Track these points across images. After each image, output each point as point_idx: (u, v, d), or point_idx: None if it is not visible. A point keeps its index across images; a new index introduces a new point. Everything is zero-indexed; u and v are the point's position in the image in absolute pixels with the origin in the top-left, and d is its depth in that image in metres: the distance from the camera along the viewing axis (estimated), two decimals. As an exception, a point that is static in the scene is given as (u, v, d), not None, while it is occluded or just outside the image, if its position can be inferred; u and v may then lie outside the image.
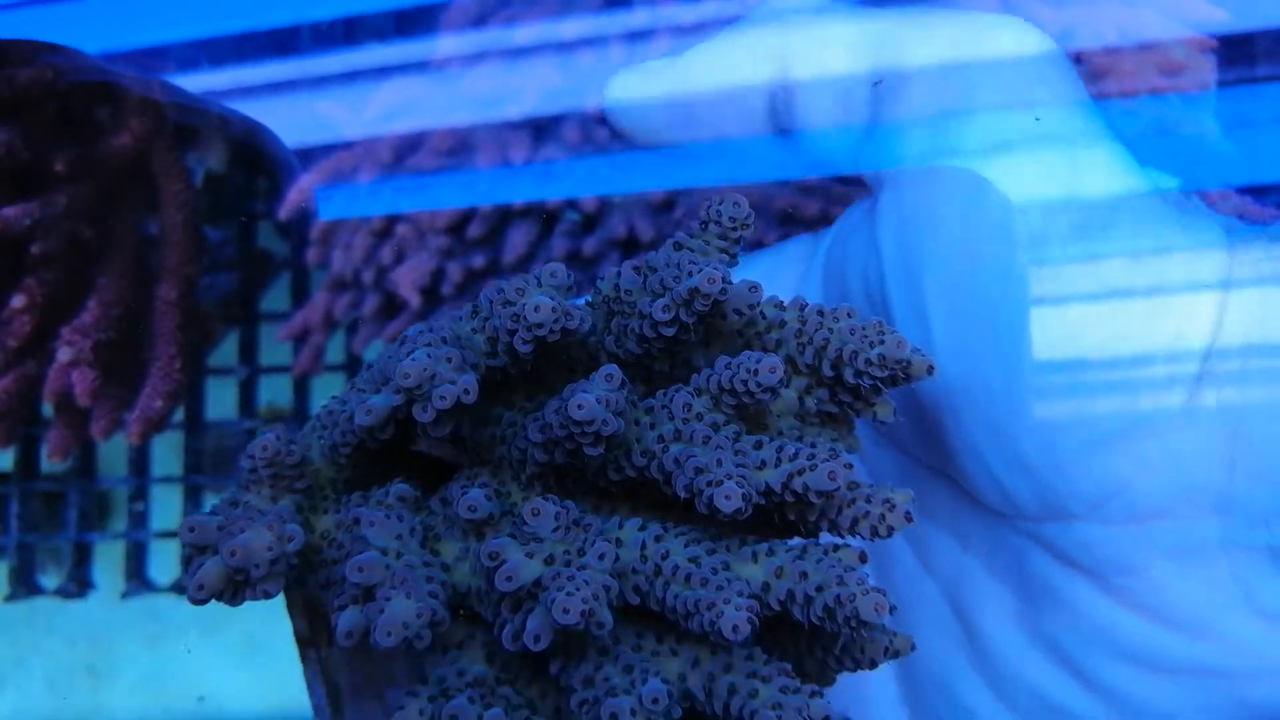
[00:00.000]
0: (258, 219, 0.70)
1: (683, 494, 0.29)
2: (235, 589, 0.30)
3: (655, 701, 0.28)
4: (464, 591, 0.31)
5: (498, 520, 0.31)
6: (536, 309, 0.29)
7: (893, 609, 0.28)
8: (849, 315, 0.31)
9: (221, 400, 0.71)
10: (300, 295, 0.70)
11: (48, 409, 0.64)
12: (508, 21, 0.54)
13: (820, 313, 0.31)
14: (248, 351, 0.71)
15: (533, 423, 0.30)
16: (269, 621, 0.71)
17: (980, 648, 0.37)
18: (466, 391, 0.29)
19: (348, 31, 0.54)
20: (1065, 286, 0.31)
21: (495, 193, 0.56)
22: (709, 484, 0.28)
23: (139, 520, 0.70)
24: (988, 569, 0.37)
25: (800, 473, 0.28)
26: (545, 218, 0.58)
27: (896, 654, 0.31)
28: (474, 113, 0.55)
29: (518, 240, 0.57)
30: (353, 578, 0.28)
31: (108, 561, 0.70)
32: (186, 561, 0.30)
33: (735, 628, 0.27)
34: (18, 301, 0.59)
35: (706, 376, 0.30)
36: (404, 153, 0.57)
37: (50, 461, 0.67)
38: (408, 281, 0.58)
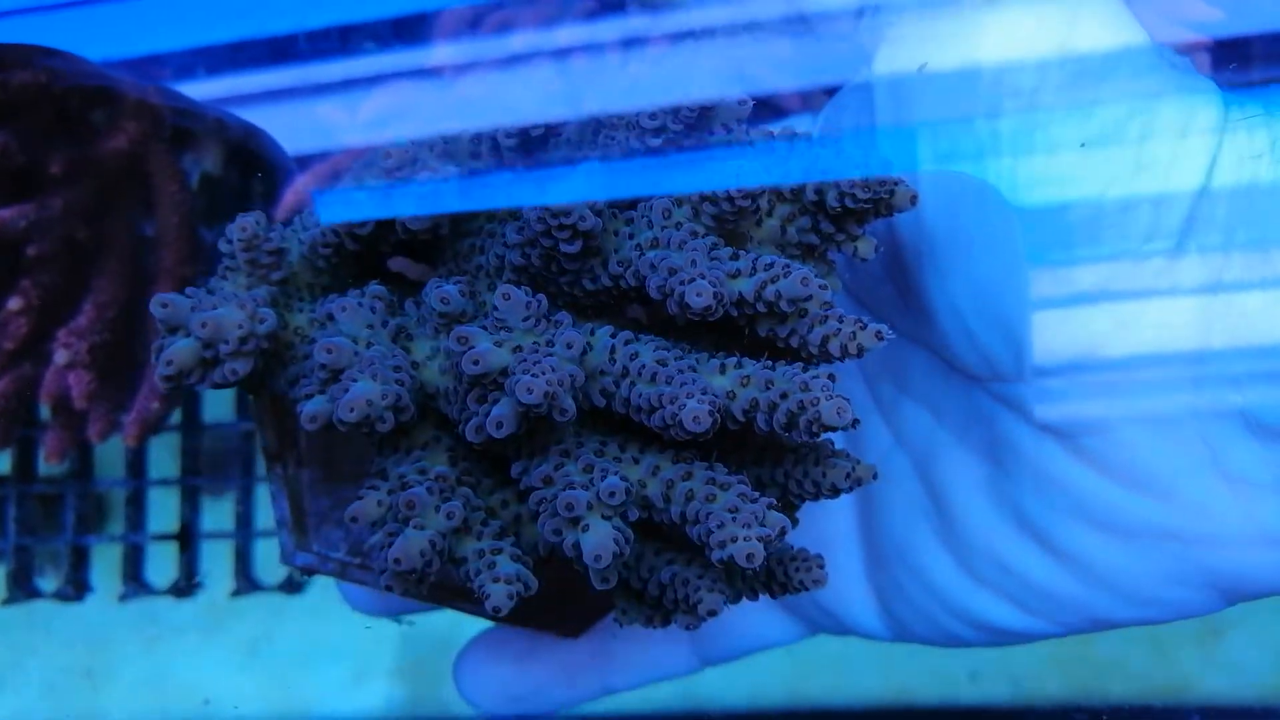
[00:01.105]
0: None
1: (655, 295, 0.29)
2: (204, 368, 0.30)
3: (612, 495, 0.27)
4: (431, 393, 0.31)
5: (470, 319, 0.31)
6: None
7: (856, 422, 0.28)
8: (836, 144, 0.31)
9: (218, 403, 0.71)
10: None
11: (45, 411, 0.64)
12: (503, 27, 0.54)
13: (808, 139, 0.31)
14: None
15: (512, 225, 0.30)
16: (270, 625, 0.71)
17: (947, 518, 0.37)
18: (445, 180, 0.29)
19: (343, 37, 0.54)
20: (1056, 135, 0.31)
21: (490, 197, 0.56)
22: (681, 283, 0.28)
23: (136, 523, 0.70)
24: (959, 439, 0.36)
25: (774, 280, 0.28)
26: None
27: (859, 481, 0.31)
28: (469, 117, 0.55)
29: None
30: (320, 358, 0.28)
31: (105, 564, 0.70)
32: (158, 351, 0.30)
33: (696, 418, 0.27)
34: (14, 304, 0.59)
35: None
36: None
37: (47, 464, 0.67)
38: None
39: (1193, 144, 0.30)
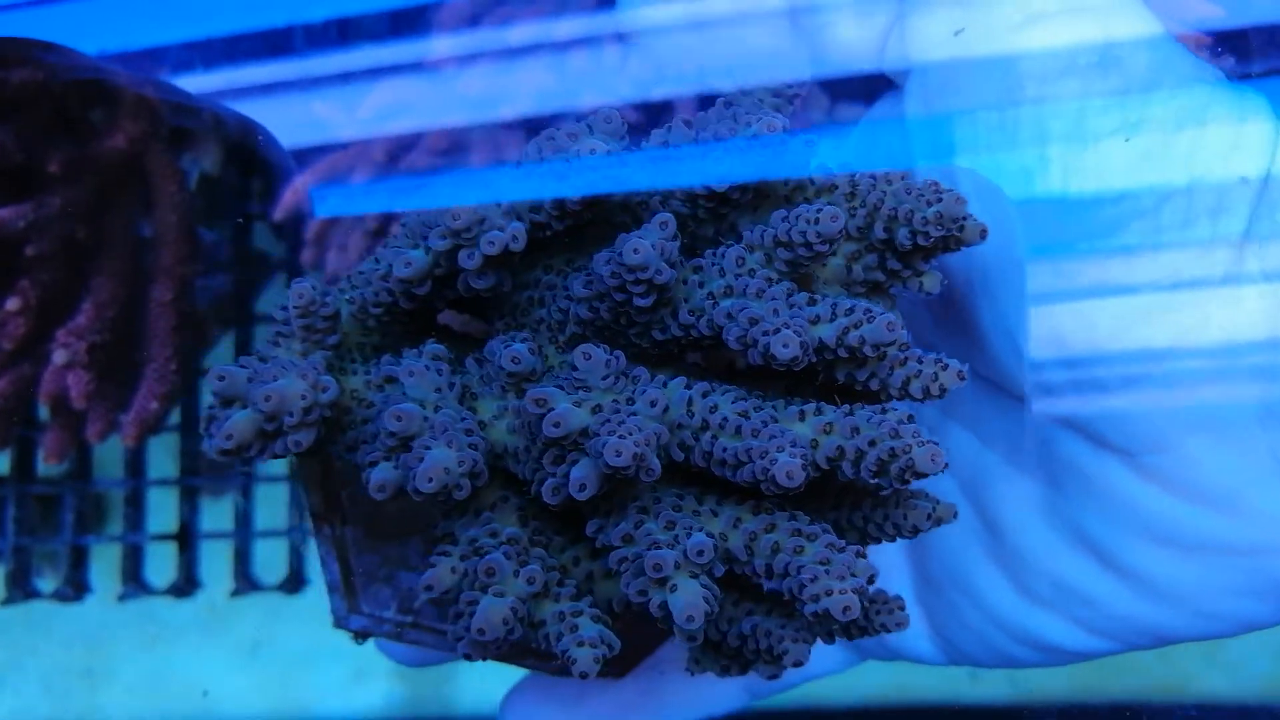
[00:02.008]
0: (253, 220, 0.70)
1: (735, 345, 0.28)
2: (265, 440, 0.29)
3: (700, 554, 0.27)
4: (499, 452, 0.30)
5: (539, 377, 0.30)
6: (593, 152, 0.28)
7: (946, 465, 0.27)
8: (902, 178, 0.30)
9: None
10: (296, 296, 0.69)
11: (44, 411, 0.64)
12: (501, 21, 0.54)
13: (873, 176, 0.30)
14: (244, 353, 0.71)
15: (577, 278, 0.30)
16: (269, 624, 0.71)
17: (1000, 540, 0.36)
18: (515, 238, 0.28)
19: (341, 32, 0.54)
20: (1102, 124, 0.30)
21: (490, 192, 0.56)
22: (764, 333, 0.27)
23: (135, 523, 0.70)
24: (1008, 460, 0.36)
25: (856, 325, 0.27)
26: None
27: (939, 521, 0.31)
28: (468, 112, 0.55)
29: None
30: (390, 427, 0.27)
31: (104, 564, 0.70)
32: (209, 420, 0.29)
33: (789, 474, 0.26)
34: (12, 304, 0.59)
35: (760, 231, 0.29)
36: (399, 153, 0.57)
37: (46, 464, 0.67)
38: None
39: (1251, 131, 0.30)
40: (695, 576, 0.27)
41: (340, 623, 0.37)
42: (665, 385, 0.29)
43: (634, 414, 0.27)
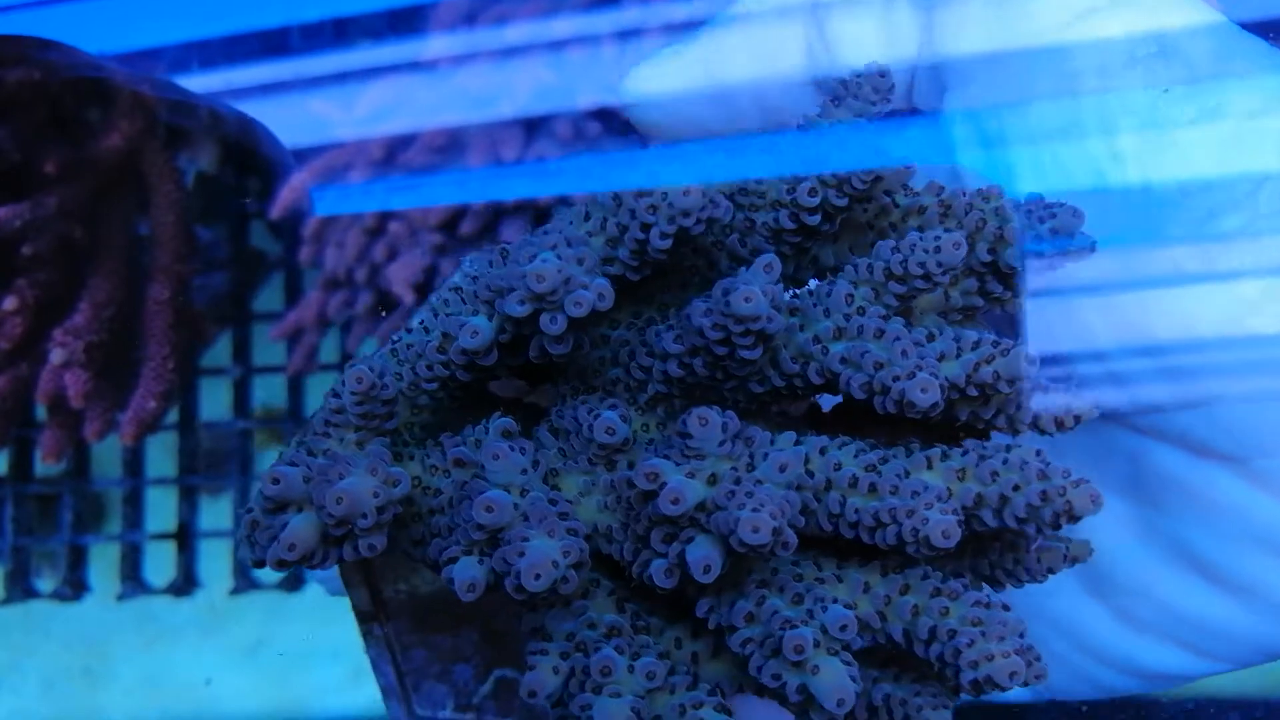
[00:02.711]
0: (251, 217, 0.69)
1: (858, 394, 0.25)
2: (330, 545, 0.26)
3: (843, 629, 0.25)
4: (588, 533, 0.27)
5: (630, 447, 0.28)
6: (686, 193, 0.25)
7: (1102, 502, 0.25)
8: (1000, 194, 0.28)
9: (215, 401, 0.71)
10: (293, 295, 0.69)
11: (41, 411, 0.64)
12: (498, 19, 0.54)
13: (963, 192, 0.28)
14: (241, 352, 0.71)
15: (664, 332, 0.27)
16: (267, 623, 0.71)
17: (1090, 566, 0.34)
18: (601, 296, 0.25)
19: (338, 31, 0.54)
20: (1169, 112, 0.29)
21: (487, 190, 0.56)
22: (895, 379, 0.25)
23: (134, 522, 0.70)
24: (1096, 482, 0.34)
25: (988, 360, 0.25)
26: (537, 214, 0.57)
27: (1075, 560, 0.29)
28: (465, 110, 0.55)
29: (511, 237, 0.57)
30: (480, 519, 0.24)
31: (103, 564, 0.70)
32: (253, 527, 0.26)
33: (945, 533, 0.24)
34: (9, 303, 0.59)
35: (866, 265, 0.27)
36: (396, 150, 0.57)
37: (44, 464, 0.67)
38: (401, 278, 0.58)
39: None
40: (834, 653, 0.24)
41: None
42: (772, 442, 0.26)
43: (759, 481, 0.24)
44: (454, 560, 0.25)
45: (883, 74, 0.29)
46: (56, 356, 0.60)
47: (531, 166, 0.55)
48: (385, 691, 0.33)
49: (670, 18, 0.50)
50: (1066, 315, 0.31)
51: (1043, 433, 0.27)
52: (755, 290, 0.24)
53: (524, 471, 0.26)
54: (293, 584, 0.68)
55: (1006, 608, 0.25)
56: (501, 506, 0.25)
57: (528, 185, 0.55)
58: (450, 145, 0.56)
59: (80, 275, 0.62)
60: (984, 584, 0.29)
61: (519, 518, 0.25)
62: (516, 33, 0.53)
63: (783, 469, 0.25)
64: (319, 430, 0.28)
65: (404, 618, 0.34)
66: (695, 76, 0.34)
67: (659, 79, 0.35)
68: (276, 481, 0.25)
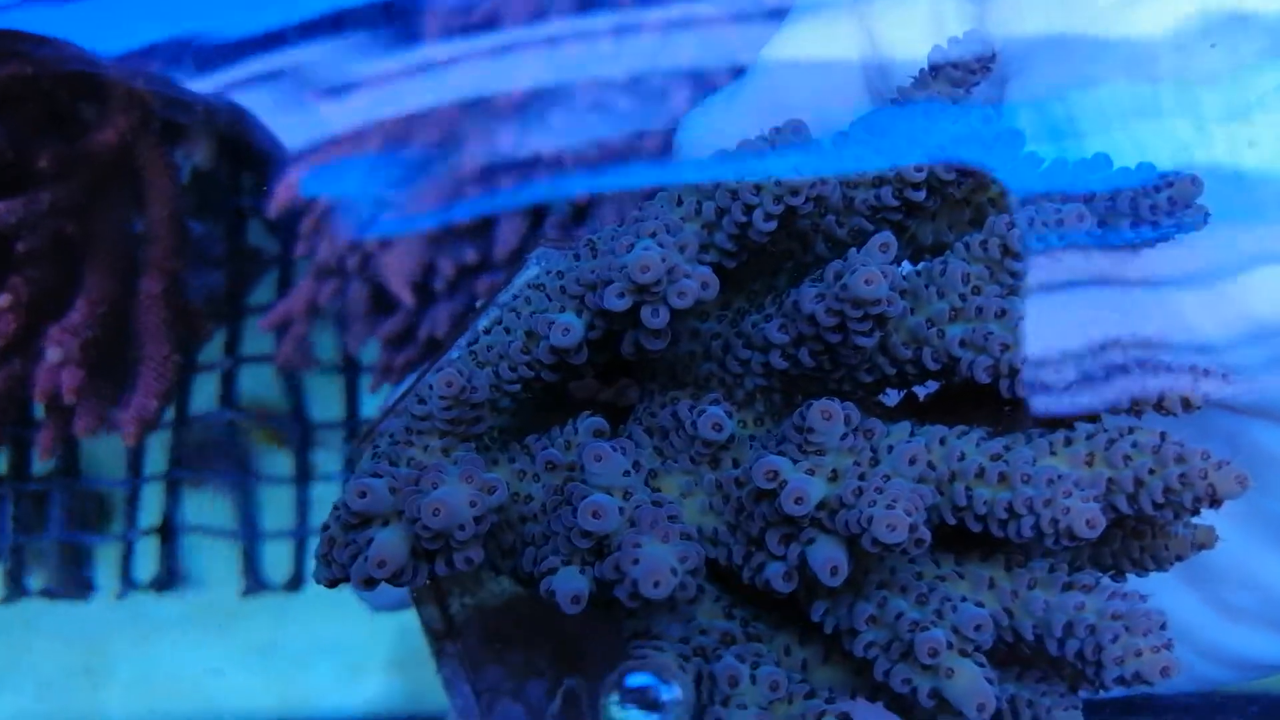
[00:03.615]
0: (248, 214, 0.69)
1: (983, 378, 0.24)
2: (422, 560, 0.24)
3: (978, 629, 0.23)
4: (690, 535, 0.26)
5: (734, 445, 0.27)
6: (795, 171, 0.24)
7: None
8: (1108, 164, 0.27)
9: (207, 396, 0.70)
10: (289, 290, 0.69)
11: (38, 409, 0.64)
12: (495, 10, 0.54)
13: (1061, 162, 0.27)
14: (235, 348, 0.70)
15: (767, 322, 0.26)
16: (273, 623, 0.71)
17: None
18: (705, 286, 0.24)
19: (335, 22, 0.54)
20: (1276, 124, 0.28)
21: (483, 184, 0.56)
22: (1025, 361, 0.24)
23: (131, 520, 0.70)
24: None
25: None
26: (535, 209, 0.57)
27: (1202, 546, 0.28)
28: (463, 103, 0.54)
29: (508, 232, 0.56)
30: (586, 526, 0.23)
31: (101, 563, 0.70)
32: (330, 544, 0.25)
33: (1091, 522, 0.23)
34: (4, 301, 0.59)
35: (980, 242, 0.25)
36: (393, 144, 0.57)
37: (42, 462, 0.66)
38: (397, 273, 0.57)
39: None
40: (967, 655, 0.23)
41: None
42: (889, 433, 0.25)
43: (887, 476, 0.23)
44: (553, 570, 0.24)
45: (981, 41, 0.28)
46: (53, 354, 0.60)
47: (528, 160, 0.54)
48: (462, 713, 0.32)
49: (667, 14, 0.50)
50: (1160, 305, 0.30)
51: (1167, 413, 0.26)
52: (875, 271, 0.23)
53: (626, 474, 0.25)
54: (294, 585, 0.68)
55: (1144, 599, 0.24)
56: (608, 512, 0.23)
57: (525, 179, 0.55)
58: (447, 138, 0.56)
59: (75, 272, 0.62)
60: (1116, 575, 0.28)
61: (626, 523, 0.24)
62: (512, 26, 0.53)
63: (912, 462, 0.23)
64: (400, 439, 0.26)
65: (474, 635, 0.32)
66: (752, 116, 0.33)
67: (715, 126, 0.34)
68: (364, 495, 0.24)
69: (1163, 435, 0.24)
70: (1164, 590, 0.34)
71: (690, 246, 0.25)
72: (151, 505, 0.70)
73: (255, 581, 0.68)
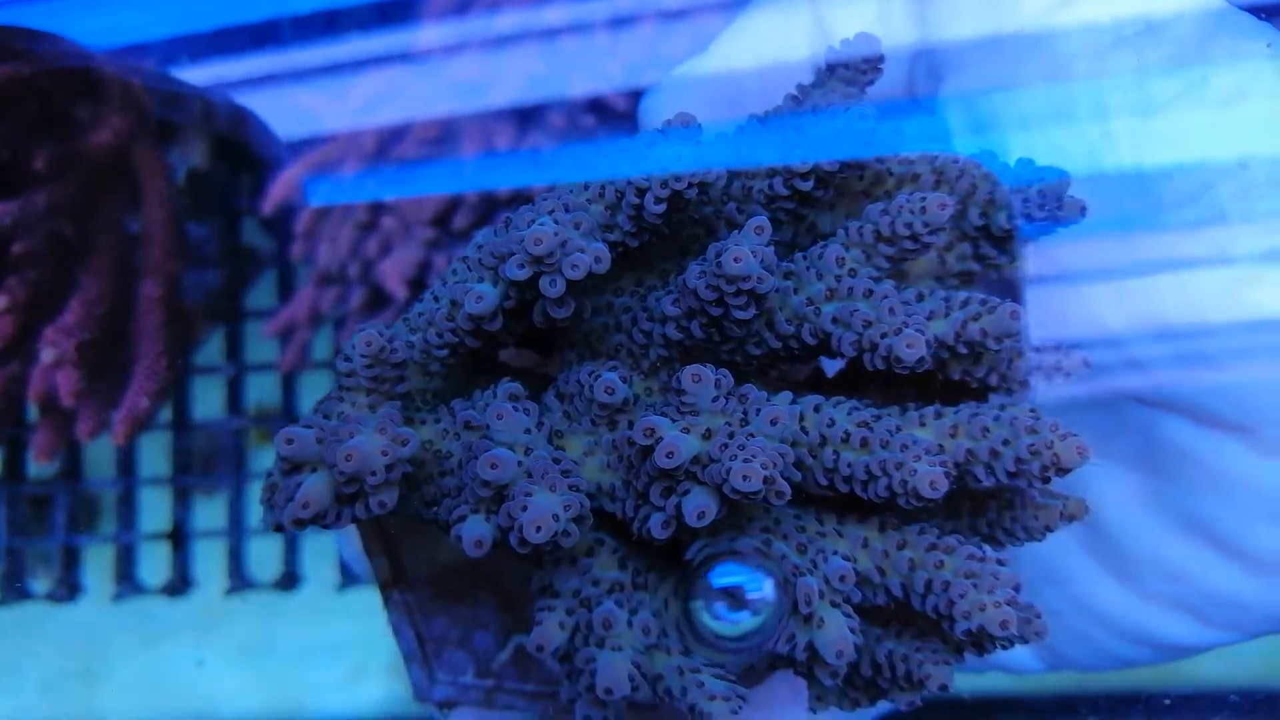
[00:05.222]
0: (243, 214, 0.69)
1: (848, 351, 0.26)
2: (343, 504, 0.26)
3: (842, 579, 0.25)
4: (591, 491, 0.28)
5: (631, 408, 0.28)
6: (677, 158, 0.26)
7: (1090, 456, 0.25)
8: (991, 160, 0.29)
9: (209, 400, 0.70)
10: (286, 291, 0.69)
11: (33, 412, 0.64)
12: (490, 8, 0.54)
13: (956, 160, 0.29)
14: (234, 349, 0.70)
15: (663, 296, 0.28)
16: (265, 622, 0.71)
17: (1103, 538, 0.35)
18: (598, 259, 0.26)
19: (329, 22, 0.54)
20: (1178, 128, 0.29)
21: (481, 181, 0.56)
22: (883, 335, 0.26)
23: (128, 522, 0.70)
24: (1103, 454, 0.34)
25: (975, 318, 0.26)
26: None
27: (1073, 517, 0.29)
28: (458, 101, 0.54)
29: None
30: (485, 475, 0.25)
31: (97, 564, 0.70)
32: (271, 490, 0.27)
33: (933, 483, 0.25)
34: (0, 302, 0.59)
35: (857, 228, 0.27)
36: (388, 143, 0.57)
37: (37, 464, 0.66)
38: (394, 274, 0.58)
39: None
40: (837, 606, 0.25)
41: (422, 695, 0.34)
42: (768, 400, 0.27)
43: (752, 435, 0.25)
44: (463, 519, 0.26)
45: (870, 42, 0.30)
46: (48, 356, 0.60)
47: (525, 156, 0.55)
48: (406, 657, 0.34)
49: (663, 5, 0.50)
50: (1073, 300, 0.32)
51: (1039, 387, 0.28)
52: (745, 250, 0.25)
53: (527, 431, 0.27)
54: (288, 583, 0.68)
55: (1002, 562, 0.26)
56: (505, 463, 0.25)
57: (521, 175, 0.55)
58: (443, 136, 0.56)
59: (71, 273, 0.62)
60: (991, 544, 0.29)
61: (522, 474, 0.25)
62: (508, 21, 0.53)
63: (774, 422, 0.25)
64: (333, 395, 0.28)
65: (424, 587, 0.34)
66: (710, 94, 0.35)
67: (674, 102, 0.35)
68: (291, 442, 0.26)
69: (1030, 411, 0.26)
70: (1087, 577, 0.36)
71: (586, 224, 0.27)
72: (160, 511, 0.70)
73: (241, 580, 0.68)
